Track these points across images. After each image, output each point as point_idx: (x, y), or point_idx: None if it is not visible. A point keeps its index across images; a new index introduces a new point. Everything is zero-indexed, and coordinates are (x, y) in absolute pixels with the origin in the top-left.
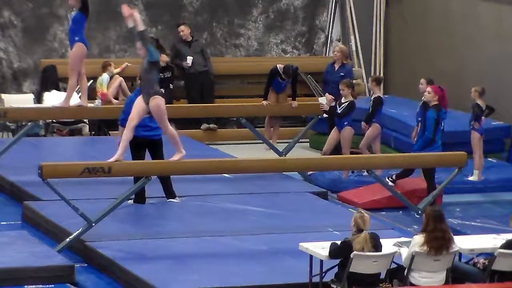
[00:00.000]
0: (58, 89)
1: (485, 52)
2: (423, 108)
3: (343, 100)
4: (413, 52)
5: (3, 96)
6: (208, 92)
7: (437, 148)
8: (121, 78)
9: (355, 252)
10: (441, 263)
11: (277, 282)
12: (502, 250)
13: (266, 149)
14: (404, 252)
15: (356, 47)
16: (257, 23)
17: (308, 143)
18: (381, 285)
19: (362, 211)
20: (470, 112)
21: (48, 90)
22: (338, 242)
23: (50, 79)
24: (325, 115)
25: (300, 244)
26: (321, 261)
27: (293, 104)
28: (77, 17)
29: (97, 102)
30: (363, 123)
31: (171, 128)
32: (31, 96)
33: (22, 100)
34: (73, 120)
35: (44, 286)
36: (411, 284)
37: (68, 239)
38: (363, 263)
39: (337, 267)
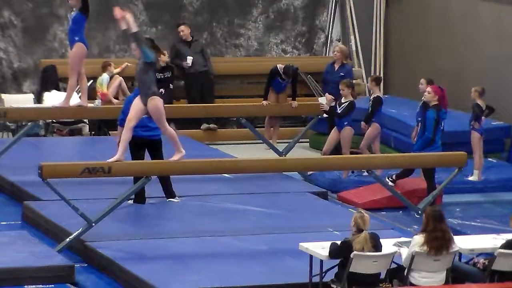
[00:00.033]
0: (58, 89)
1: (485, 52)
2: (423, 108)
3: (343, 100)
4: (413, 52)
5: (3, 96)
6: (208, 92)
7: (437, 148)
8: (121, 78)
9: (355, 252)
10: (441, 263)
11: (277, 282)
12: (502, 250)
13: (266, 149)
14: (404, 252)
15: (356, 47)
16: (257, 23)
17: (308, 143)
18: (381, 285)
19: (362, 211)
20: (470, 112)
21: (48, 90)
22: (338, 242)
23: (50, 79)
24: (325, 115)
25: (300, 244)
26: (321, 261)
27: (293, 104)
28: (77, 17)
29: (97, 102)
30: (362, 123)
31: (169, 129)
32: (31, 96)
33: (22, 100)
34: (73, 120)
35: (44, 286)
36: (411, 284)
37: (68, 239)
38: (363, 263)
39: (337, 267)
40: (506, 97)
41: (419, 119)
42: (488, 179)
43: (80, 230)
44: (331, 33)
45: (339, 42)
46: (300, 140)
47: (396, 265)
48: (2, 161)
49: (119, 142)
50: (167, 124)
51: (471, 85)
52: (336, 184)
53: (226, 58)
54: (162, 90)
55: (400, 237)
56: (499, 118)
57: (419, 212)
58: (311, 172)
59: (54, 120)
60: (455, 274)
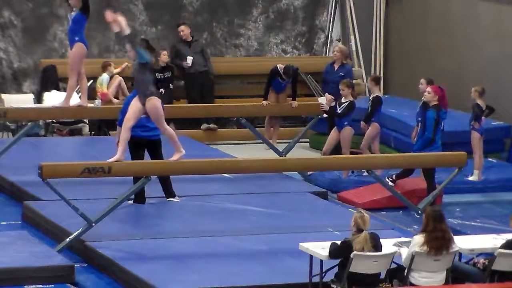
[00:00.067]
0: (58, 89)
1: (485, 52)
2: (423, 108)
3: (343, 100)
4: (413, 52)
5: (3, 96)
6: (208, 92)
7: (437, 148)
8: (121, 78)
9: (355, 252)
10: (441, 263)
11: (277, 282)
12: (502, 250)
13: (266, 149)
14: (404, 252)
15: (356, 47)
16: (257, 23)
17: (308, 143)
18: (381, 285)
19: (362, 211)
20: (470, 112)
21: (48, 90)
22: (338, 242)
23: (50, 79)
24: (325, 115)
25: (300, 244)
26: (321, 261)
27: (293, 104)
28: (77, 17)
29: (97, 102)
30: (362, 122)
31: (168, 128)
32: (31, 96)
33: (22, 100)
34: (73, 120)
35: (44, 286)
36: (411, 284)
37: (68, 239)
38: (363, 263)
39: (337, 267)
40: (506, 97)
41: (419, 119)
42: (488, 179)
43: (80, 230)
44: (331, 33)
45: (339, 42)
46: (300, 140)
47: (396, 265)
48: (2, 161)
49: (118, 142)
50: (166, 124)
51: (471, 85)
52: (336, 184)
53: (226, 58)
54: (162, 90)
55: (400, 237)
56: (499, 118)
57: (419, 212)
58: (311, 172)
59: (54, 120)
60: (455, 274)
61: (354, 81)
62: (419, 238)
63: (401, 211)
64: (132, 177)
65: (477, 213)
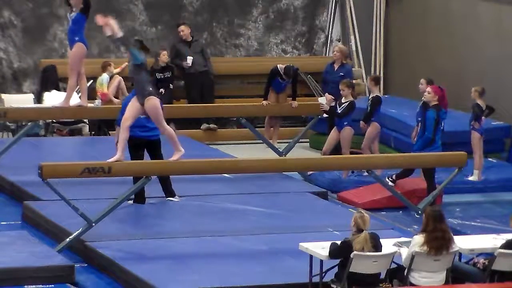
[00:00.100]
0: (58, 89)
1: (485, 52)
2: (423, 108)
3: (343, 100)
4: (413, 52)
5: (3, 96)
6: (208, 92)
7: (437, 148)
8: (120, 78)
9: (355, 252)
10: (441, 263)
11: (277, 282)
12: (502, 250)
13: (266, 147)
14: (404, 252)
15: (356, 47)
16: (257, 23)
17: (308, 143)
18: (381, 285)
19: (362, 211)
20: (470, 112)
21: (48, 90)
22: (338, 242)
23: (50, 79)
24: (325, 115)
25: (300, 244)
26: (321, 261)
27: (293, 104)
28: (77, 17)
29: (97, 102)
30: (361, 122)
31: (168, 128)
32: (31, 96)
33: (22, 100)
34: (73, 120)
35: (44, 286)
36: (411, 284)
37: (68, 239)
38: (363, 263)
39: (337, 267)
40: (506, 97)
41: (419, 119)
42: (488, 179)
43: (80, 230)
44: (331, 33)
45: (339, 42)
46: (300, 140)
47: (396, 265)
48: (2, 161)
49: (117, 142)
50: (166, 124)
51: (471, 85)
52: (336, 184)
53: (226, 58)
54: (162, 90)
55: (400, 237)
56: (499, 118)
57: (419, 212)
58: (311, 172)
59: (54, 120)
60: (455, 274)
61: (354, 81)
62: (419, 238)
63: (401, 211)
64: (132, 177)
65: (477, 213)
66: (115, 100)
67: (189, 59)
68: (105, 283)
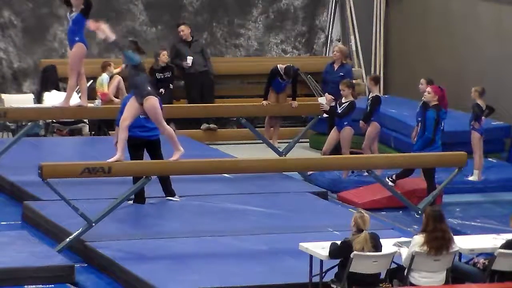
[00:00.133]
0: (58, 89)
1: (485, 52)
2: (423, 108)
3: (343, 100)
4: (413, 52)
5: (3, 96)
6: (208, 92)
7: (437, 148)
8: (120, 78)
9: (355, 252)
10: (441, 263)
11: (277, 282)
12: (502, 250)
13: (266, 147)
14: (404, 252)
15: (356, 47)
16: (257, 23)
17: (308, 143)
18: (381, 285)
19: (362, 211)
20: (470, 112)
21: (48, 90)
22: (338, 242)
23: (50, 79)
24: (325, 115)
25: (300, 244)
26: (321, 261)
27: (293, 104)
28: (78, 17)
29: (97, 102)
30: (361, 122)
31: (168, 127)
32: (31, 96)
33: (22, 100)
34: (73, 120)
35: (44, 286)
36: (411, 284)
37: (68, 239)
38: (363, 263)
39: (337, 267)
40: (506, 97)
41: (419, 119)
42: (488, 179)
43: (80, 230)
44: (331, 33)
45: (339, 42)
46: (300, 140)
47: (396, 265)
48: (2, 161)
49: (116, 143)
50: (165, 123)
51: (471, 85)
52: (336, 184)
53: (226, 58)
54: (162, 90)
55: (400, 237)
56: (499, 118)
57: (419, 212)
58: (311, 172)
59: (54, 120)
60: (455, 274)
61: (354, 81)
62: (419, 238)
63: (401, 211)
64: (132, 177)
65: (477, 213)
66: (116, 100)
67: (189, 59)
68: (105, 283)
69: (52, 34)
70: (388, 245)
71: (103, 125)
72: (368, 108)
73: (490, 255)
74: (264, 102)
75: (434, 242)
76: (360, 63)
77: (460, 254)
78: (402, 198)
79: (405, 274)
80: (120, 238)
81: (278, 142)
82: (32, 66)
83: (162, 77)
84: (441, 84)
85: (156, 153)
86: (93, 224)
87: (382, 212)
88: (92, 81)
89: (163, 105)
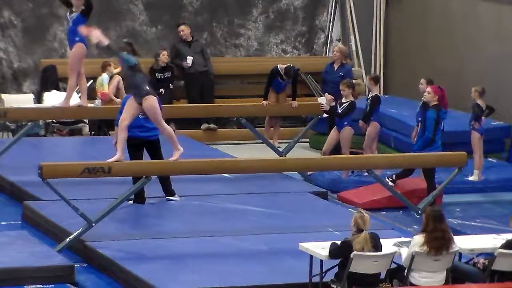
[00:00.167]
0: (58, 89)
1: (485, 52)
2: (423, 108)
3: (343, 100)
4: (413, 52)
5: (3, 96)
6: (208, 92)
7: (437, 148)
8: (120, 78)
9: (355, 252)
10: (441, 263)
11: (277, 282)
12: (502, 250)
13: (266, 147)
14: (404, 252)
15: (356, 47)
16: (257, 23)
17: (308, 143)
18: (381, 285)
19: (362, 211)
20: (470, 112)
21: (48, 90)
22: (338, 242)
23: (50, 79)
24: (325, 115)
25: (300, 244)
26: (321, 261)
27: (293, 104)
28: (78, 18)
29: (97, 102)
30: (360, 121)
31: (167, 127)
32: (31, 96)
33: (22, 100)
34: (73, 120)
35: (44, 286)
36: (411, 284)
37: (68, 239)
38: (363, 263)
39: (337, 267)
40: (506, 97)
41: (419, 119)
42: (488, 179)
43: (80, 230)
44: (331, 33)
45: (339, 42)
46: (300, 140)
47: (396, 265)
48: (2, 161)
49: (115, 143)
50: (164, 123)
51: (471, 85)
52: (336, 184)
53: (226, 58)
54: (162, 90)
55: (400, 237)
56: (499, 118)
57: (419, 212)
58: (311, 172)
59: (54, 120)
60: (455, 274)
61: (354, 81)
62: (419, 238)
63: (401, 211)
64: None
65: (477, 213)
66: (116, 99)
67: (189, 59)
68: (105, 283)
69: (52, 34)
70: (388, 245)
71: (103, 125)
72: (368, 107)
73: (490, 255)
74: (264, 102)
75: (434, 242)
76: (360, 63)
77: (460, 254)
78: (402, 198)
79: (405, 274)
80: (120, 238)
81: (279, 142)
82: (32, 66)
83: (162, 77)
84: (441, 84)
85: (156, 153)
86: (93, 224)
87: (382, 212)
88: (92, 81)
89: (163, 105)
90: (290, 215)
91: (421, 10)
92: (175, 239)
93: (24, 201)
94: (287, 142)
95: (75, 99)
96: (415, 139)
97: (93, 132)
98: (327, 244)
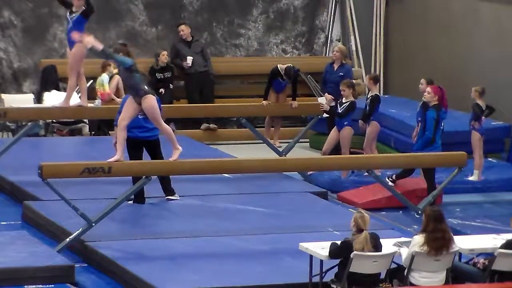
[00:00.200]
0: (58, 89)
1: (485, 52)
2: (423, 108)
3: (344, 100)
4: (413, 52)
5: (3, 96)
6: (208, 92)
7: (437, 148)
8: (119, 78)
9: (355, 252)
10: (441, 263)
11: (277, 282)
12: (502, 250)
13: (266, 147)
14: (404, 252)
15: (356, 47)
16: (257, 23)
17: (308, 143)
18: (381, 285)
19: (362, 211)
20: (470, 112)
21: (48, 90)
22: (338, 242)
23: (50, 79)
24: (325, 115)
25: (300, 244)
26: (321, 261)
27: (293, 104)
28: (78, 18)
29: (97, 102)
30: (360, 121)
31: (166, 126)
32: (31, 96)
33: (22, 100)
34: (73, 120)
35: (44, 286)
36: (411, 284)
37: (68, 239)
38: (363, 263)
39: (337, 267)
40: (506, 97)
41: (419, 119)
42: (488, 179)
43: (80, 230)
44: (331, 33)
45: (339, 42)
46: (300, 140)
47: (396, 265)
48: (2, 161)
49: (115, 143)
50: (163, 122)
51: (471, 85)
52: (336, 184)
53: (226, 58)
54: (162, 90)
55: (400, 237)
56: (499, 118)
57: (419, 212)
58: (311, 172)
59: (54, 120)
60: (455, 274)
61: (354, 81)
62: (419, 238)
63: (401, 211)
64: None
65: (477, 213)
66: (117, 99)
67: (189, 59)
68: (105, 283)
69: (52, 34)
70: (388, 245)
71: (103, 125)
72: (367, 107)
73: (490, 255)
74: (264, 102)
75: (434, 242)
76: (360, 63)
77: (460, 254)
78: (402, 198)
79: (405, 274)
80: (120, 238)
81: (279, 142)
82: (32, 66)
83: (162, 77)
84: (441, 84)
85: (155, 153)
86: (93, 224)
87: (382, 212)
88: (92, 81)
89: (163, 105)
90: (290, 215)
91: (421, 10)
92: (175, 239)
93: (24, 201)
94: (287, 142)
95: (75, 99)
96: (415, 139)
97: (93, 132)
98: (327, 244)
